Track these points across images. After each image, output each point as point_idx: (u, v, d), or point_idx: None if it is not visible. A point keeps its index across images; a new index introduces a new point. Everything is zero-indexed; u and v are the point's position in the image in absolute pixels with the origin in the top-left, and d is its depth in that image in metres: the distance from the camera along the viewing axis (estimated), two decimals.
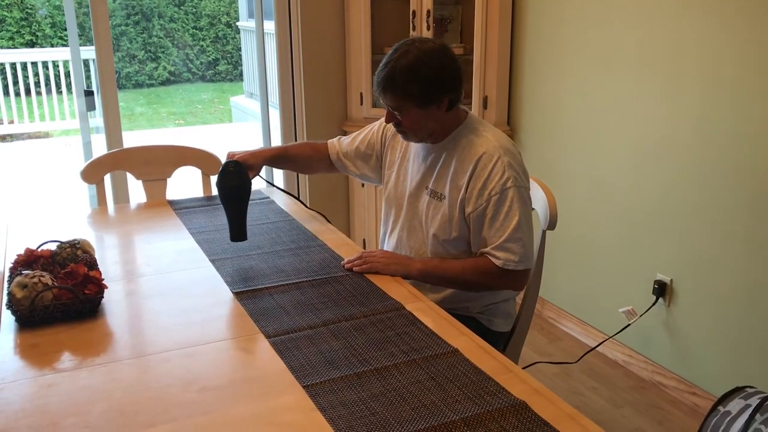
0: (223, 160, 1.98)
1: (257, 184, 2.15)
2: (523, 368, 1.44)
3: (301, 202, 2.29)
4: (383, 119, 1.88)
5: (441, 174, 1.79)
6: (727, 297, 2.40)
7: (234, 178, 1.86)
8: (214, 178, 2.53)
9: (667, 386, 2.66)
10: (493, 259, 1.70)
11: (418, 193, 1.85)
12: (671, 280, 2.60)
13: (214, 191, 2.49)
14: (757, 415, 1.85)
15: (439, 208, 1.78)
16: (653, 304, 2.66)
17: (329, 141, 2.11)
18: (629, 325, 2.76)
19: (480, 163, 1.71)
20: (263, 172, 2.09)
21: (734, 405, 1.93)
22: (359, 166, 2.04)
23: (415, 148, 1.88)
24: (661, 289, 2.63)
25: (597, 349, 2.94)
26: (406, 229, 1.88)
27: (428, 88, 1.67)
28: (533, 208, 1.92)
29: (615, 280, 2.86)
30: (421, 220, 1.84)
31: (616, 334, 2.82)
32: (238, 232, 1.87)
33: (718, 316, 2.44)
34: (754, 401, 1.89)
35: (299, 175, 3.55)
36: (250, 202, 1.86)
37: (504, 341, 1.92)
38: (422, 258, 1.81)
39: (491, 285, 1.78)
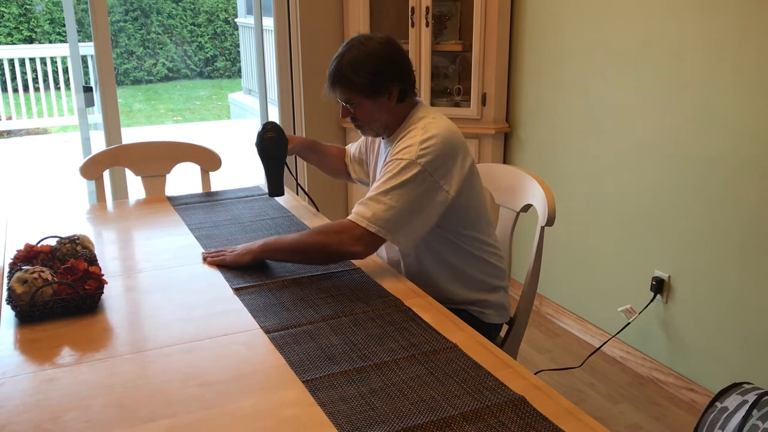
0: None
1: (256, 181, 2.16)
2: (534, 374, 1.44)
3: (310, 200, 2.29)
4: None
5: None
6: (725, 294, 2.40)
7: (272, 130, 1.98)
8: (213, 175, 2.55)
9: (665, 382, 2.67)
10: (350, 216, 1.67)
11: None
12: (669, 277, 2.61)
13: (214, 187, 2.50)
14: (754, 411, 1.85)
15: None
16: (651, 301, 2.67)
17: (347, 146, 2.19)
18: (629, 323, 2.77)
19: (404, 138, 1.72)
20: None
21: (731, 401, 1.94)
22: (356, 171, 2.13)
23: (381, 146, 1.92)
24: (659, 286, 2.63)
25: (593, 345, 2.95)
26: None
27: (374, 79, 1.71)
28: (532, 204, 1.93)
29: (613, 277, 2.87)
30: None
31: (618, 333, 2.82)
32: (275, 186, 1.97)
33: (715, 313, 2.45)
34: (751, 397, 1.90)
35: (297, 167, 3.55)
36: (250, 197, 1.87)
37: (498, 332, 1.93)
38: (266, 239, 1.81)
39: (328, 242, 1.66)
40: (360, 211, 1.66)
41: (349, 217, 1.68)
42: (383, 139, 1.88)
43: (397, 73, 1.74)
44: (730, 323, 2.40)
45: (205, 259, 1.79)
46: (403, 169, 1.65)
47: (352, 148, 2.15)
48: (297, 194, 3.47)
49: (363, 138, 2.08)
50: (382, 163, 1.86)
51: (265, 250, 1.73)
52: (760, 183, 2.23)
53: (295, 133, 3.52)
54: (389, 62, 1.73)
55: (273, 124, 2.00)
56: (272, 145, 1.97)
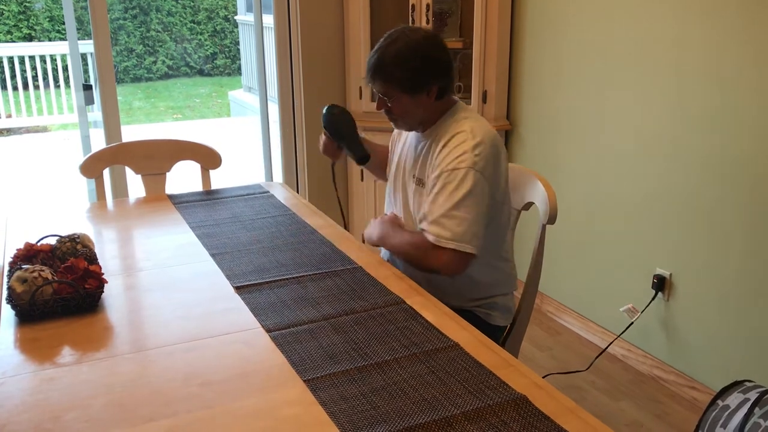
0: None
1: (257, 178, 2.15)
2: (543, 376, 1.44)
3: (342, 215, 2.26)
4: None
5: (424, 161, 1.81)
6: (727, 291, 2.40)
7: (336, 106, 1.98)
8: (213, 173, 2.54)
9: (666, 380, 2.67)
10: (427, 234, 1.67)
11: (408, 181, 1.88)
12: (670, 275, 2.60)
13: (214, 185, 2.50)
14: (756, 409, 1.85)
15: (423, 195, 1.80)
16: (653, 299, 2.67)
17: None
18: (632, 323, 2.76)
19: (448, 144, 1.71)
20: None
21: (733, 399, 1.94)
22: (387, 171, 2.10)
23: (410, 139, 1.91)
24: (661, 284, 2.63)
25: (595, 343, 2.95)
26: (401, 217, 1.91)
27: (416, 75, 1.69)
28: (533, 202, 1.92)
29: (614, 275, 2.87)
30: (411, 207, 1.87)
31: (622, 333, 2.81)
32: (360, 152, 1.96)
33: (717, 311, 2.45)
34: (753, 395, 1.90)
35: (298, 167, 3.55)
36: (250, 195, 1.86)
37: (502, 335, 1.92)
38: (396, 228, 1.84)
39: (425, 262, 1.70)
40: (438, 233, 1.65)
41: (429, 239, 1.66)
42: (417, 132, 1.85)
43: (439, 70, 1.72)
44: (731, 321, 2.40)
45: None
46: (463, 178, 1.65)
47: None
48: (301, 193, 3.46)
49: (390, 140, 2.07)
50: (413, 151, 1.85)
51: (380, 239, 1.83)
52: (760, 180, 2.23)
53: (295, 131, 3.51)
54: (432, 59, 1.71)
55: (334, 104, 2.01)
56: (342, 115, 1.97)
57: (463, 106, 1.82)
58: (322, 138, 2.05)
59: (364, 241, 1.96)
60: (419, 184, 1.82)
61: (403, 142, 1.96)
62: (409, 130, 1.85)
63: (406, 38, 1.70)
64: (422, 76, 1.70)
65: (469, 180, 1.65)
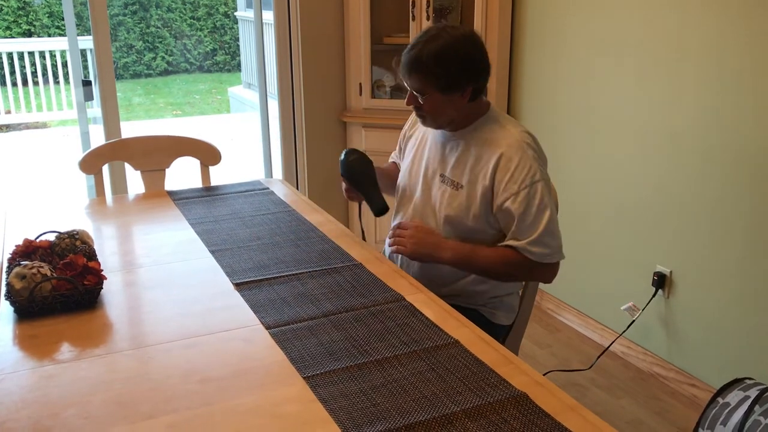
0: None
1: (257, 175, 2.14)
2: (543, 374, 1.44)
3: (362, 236, 2.16)
4: (408, 120, 1.93)
5: (459, 163, 1.77)
6: (727, 289, 2.40)
7: (354, 153, 1.93)
8: (213, 169, 2.53)
9: (666, 377, 2.67)
10: (528, 254, 1.69)
11: (432, 179, 1.84)
12: (671, 272, 2.60)
13: (213, 181, 2.49)
14: (756, 407, 1.85)
15: (456, 197, 1.77)
16: (653, 296, 2.66)
17: (391, 161, 2.16)
18: (633, 321, 2.76)
19: (505, 155, 1.70)
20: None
21: (733, 396, 1.94)
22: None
23: (433, 135, 1.88)
24: (661, 281, 2.63)
25: (595, 340, 2.95)
26: (419, 215, 1.87)
27: (454, 75, 1.67)
28: None
29: (614, 273, 2.86)
30: (434, 206, 1.83)
31: (624, 332, 2.80)
32: (377, 203, 1.88)
33: (717, 308, 2.44)
34: (753, 393, 1.90)
35: (298, 163, 3.55)
36: (250, 191, 1.85)
37: (505, 334, 1.92)
38: (454, 244, 1.76)
39: (522, 277, 1.80)
40: (541, 251, 1.68)
41: (533, 258, 1.68)
42: (445, 131, 1.82)
43: (477, 72, 1.70)
44: (731, 318, 2.40)
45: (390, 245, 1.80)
46: (542, 192, 1.68)
47: (395, 154, 2.13)
48: (301, 189, 3.45)
49: (399, 137, 2.05)
50: (440, 148, 1.83)
51: (454, 263, 1.74)
52: (761, 178, 2.23)
53: (294, 127, 3.50)
54: (472, 60, 1.69)
55: (352, 149, 1.96)
56: (359, 163, 1.91)
57: (498, 109, 1.81)
58: (344, 184, 1.98)
59: (389, 254, 1.90)
60: (450, 185, 1.78)
61: (421, 139, 1.92)
62: (437, 128, 1.82)
63: (447, 36, 1.68)
64: (460, 76, 1.68)
65: (546, 191, 1.69)
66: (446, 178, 1.80)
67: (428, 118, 1.77)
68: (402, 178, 1.96)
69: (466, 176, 1.75)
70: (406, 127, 2.04)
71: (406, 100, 1.78)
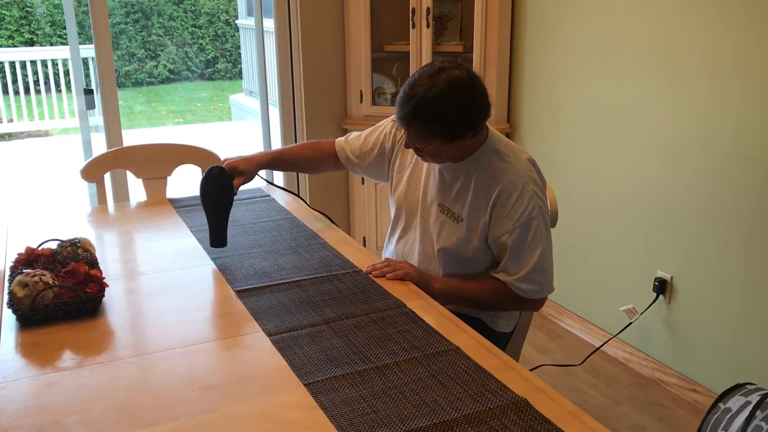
0: (223, 160, 1.98)
1: (258, 182, 2.15)
2: (530, 370, 1.44)
3: (302, 199, 2.27)
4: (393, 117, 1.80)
5: (459, 195, 1.74)
6: (728, 294, 2.40)
7: (214, 183, 1.82)
8: None
9: (668, 383, 2.67)
10: (516, 290, 1.70)
11: (430, 206, 1.80)
12: (672, 278, 2.60)
13: None
14: (758, 412, 1.85)
15: (455, 230, 1.74)
16: (654, 302, 2.66)
17: (336, 140, 2.04)
18: (631, 323, 2.76)
19: (503, 192, 1.67)
20: (264, 173, 2.06)
21: (735, 402, 1.93)
22: (367, 165, 1.98)
23: (431, 164, 1.82)
24: (662, 287, 2.63)
25: (596, 345, 2.95)
26: (419, 241, 1.84)
27: (455, 126, 1.60)
28: None
29: (615, 278, 2.87)
30: (432, 236, 1.80)
31: (619, 333, 2.81)
32: (216, 237, 1.82)
33: (718, 314, 2.44)
34: (755, 398, 1.90)
35: (299, 173, 3.55)
36: (252, 199, 1.84)
37: (506, 340, 1.92)
38: (442, 278, 1.78)
39: (511, 307, 1.82)
40: (530, 288, 1.71)
41: (521, 294, 1.71)
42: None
43: (479, 118, 1.63)
44: (733, 324, 2.39)
45: (369, 273, 1.73)
46: (537, 228, 1.68)
47: (353, 140, 2.00)
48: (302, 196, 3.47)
49: (380, 131, 1.95)
50: (438, 177, 1.77)
51: (443, 294, 1.71)
52: (763, 184, 2.23)
53: (296, 135, 3.51)
54: (475, 110, 1.61)
55: (219, 169, 1.84)
56: (213, 200, 1.81)
57: (497, 136, 1.75)
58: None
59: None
60: (449, 216, 1.75)
61: (413, 164, 1.85)
62: (438, 164, 1.76)
63: (445, 85, 1.57)
64: (462, 126, 1.60)
65: (542, 226, 1.69)
66: (445, 209, 1.77)
67: (429, 157, 1.72)
68: (399, 197, 1.89)
69: (466, 210, 1.72)
70: (393, 131, 1.93)
71: (404, 142, 1.73)
